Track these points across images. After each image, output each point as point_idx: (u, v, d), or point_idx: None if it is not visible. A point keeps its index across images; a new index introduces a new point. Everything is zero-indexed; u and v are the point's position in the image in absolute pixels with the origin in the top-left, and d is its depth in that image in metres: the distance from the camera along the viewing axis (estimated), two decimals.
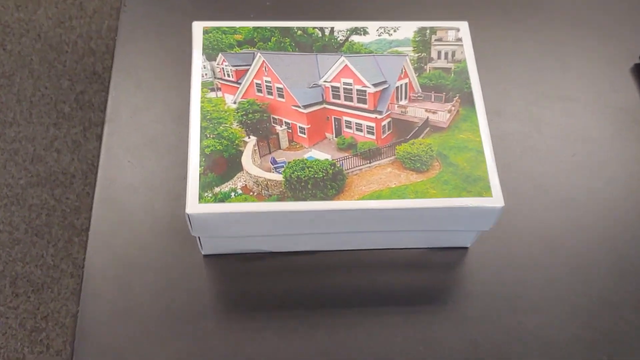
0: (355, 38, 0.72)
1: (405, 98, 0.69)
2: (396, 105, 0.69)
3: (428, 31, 0.73)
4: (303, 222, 0.65)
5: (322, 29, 0.72)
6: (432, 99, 0.69)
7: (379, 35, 0.72)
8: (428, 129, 0.68)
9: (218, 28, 0.71)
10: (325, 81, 0.69)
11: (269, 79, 0.69)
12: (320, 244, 0.72)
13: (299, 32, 0.72)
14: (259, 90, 0.68)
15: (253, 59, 0.70)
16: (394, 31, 0.73)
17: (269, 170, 0.64)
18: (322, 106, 0.68)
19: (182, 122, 0.78)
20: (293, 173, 0.63)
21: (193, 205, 0.61)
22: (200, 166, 0.63)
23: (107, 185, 0.74)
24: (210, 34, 0.71)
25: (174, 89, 0.80)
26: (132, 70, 0.82)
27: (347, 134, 0.67)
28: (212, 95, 0.67)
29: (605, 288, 0.72)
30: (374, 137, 0.67)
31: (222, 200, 0.62)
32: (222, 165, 0.64)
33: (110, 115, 0.78)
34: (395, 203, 0.63)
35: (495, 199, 0.64)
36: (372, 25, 0.73)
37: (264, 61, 0.69)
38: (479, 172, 0.65)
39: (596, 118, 0.84)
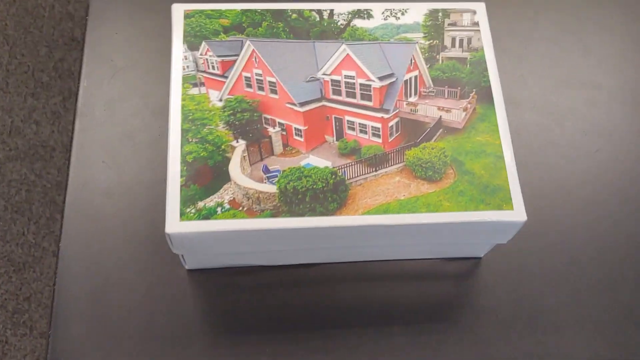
0: (358, 22, 0.63)
1: (415, 94, 0.61)
2: (405, 103, 0.60)
3: (440, 14, 0.64)
4: (300, 239, 0.57)
5: (320, 12, 0.63)
6: (446, 95, 0.61)
7: (385, 19, 0.63)
8: (441, 130, 0.59)
9: (201, 11, 0.62)
10: (324, 74, 0.60)
11: (259, 71, 0.60)
12: (318, 257, 0.64)
13: (294, 15, 0.63)
14: (249, 85, 0.59)
15: (241, 47, 0.61)
16: (402, 14, 0.64)
17: (261, 181, 0.56)
18: (320, 104, 0.60)
19: (162, 115, 0.69)
20: (288, 184, 0.55)
21: (173, 224, 0.53)
22: (182, 177, 0.55)
23: (80, 189, 0.66)
24: (192, 19, 0.61)
25: (153, 77, 0.71)
26: (105, 56, 0.72)
27: (350, 136, 0.59)
28: (194, 91, 0.58)
29: (633, 304, 0.65)
30: (380, 140, 0.58)
31: (206, 217, 0.54)
32: (207, 176, 0.55)
33: (82, 109, 0.69)
34: (405, 218, 0.55)
35: (517, 213, 0.57)
36: (377, 7, 0.64)
37: (253, 50, 0.60)
38: (499, 181, 0.57)
39: (622, 108, 0.75)
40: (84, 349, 0.60)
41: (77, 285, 0.62)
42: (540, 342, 0.63)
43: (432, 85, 0.61)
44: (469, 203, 0.56)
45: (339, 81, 0.60)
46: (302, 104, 0.59)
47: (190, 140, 0.56)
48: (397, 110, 0.60)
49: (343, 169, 0.57)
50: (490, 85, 0.61)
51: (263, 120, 0.58)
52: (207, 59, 0.60)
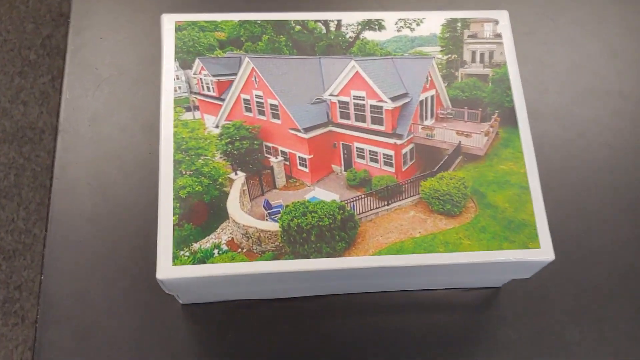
0: (369, 35, 0.57)
1: (432, 116, 0.55)
2: (420, 127, 0.55)
3: (459, 24, 0.58)
4: (305, 281, 0.52)
5: (326, 23, 0.57)
6: (466, 118, 0.55)
7: (398, 31, 0.57)
8: (460, 157, 0.54)
9: (194, 23, 0.56)
10: (331, 94, 0.55)
11: (260, 92, 0.54)
12: (323, 289, 0.59)
13: (297, 27, 0.56)
14: (248, 109, 0.54)
15: (239, 65, 0.55)
16: (417, 24, 0.58)
17: (262, 218, 0.50)
18: (327, 129, 0.54)
19: (153, 130, 0.64)
20: (292, 220, 0.50)
21: (165, 269, 0.48)
22: (174, 215, 0.49)
23: (63, 213, 0.60)
24: (184, 32, 0.55)
25: (142, 88, 0.65)
26: (89, 65, 0.66)
27: (359, 165, 0.53)
28: (188, 116, 0.53)
29: None
30: (392, 169, 0.53)
31: (202, 261, 0.49)
32: (203, 213, 0.50)
33: (64, 124, 0.63)
34: (420, 259, 0.50)
35: (544, 251, 0.52)
36: (390, 17, 0.58)
37: (253, 68, 0.55)
38: (524, 216, 0.52)
39: None
40: None
41: (62, 324, 0.57)
42: None
43: (450, 107, 0.56)
44: (492, 241, 0.51)
45: (347, 103, 0.55)
46: (307, 130, 0.54)
47: (184, 172, 0.51)
48: (412, 136, 0.54)
49: (352, 203, 0.52)
50: (514, 106, 0.56)
51: (264, 149, 0.53)
52: (201, 79, 0.54)
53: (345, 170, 0.53)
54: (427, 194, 0.53)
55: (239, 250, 0.50)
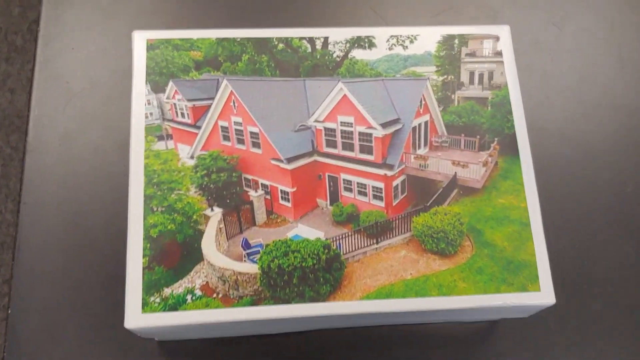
0: (358, 53, 0.53)
1: (425, 145, 0.51)
2: (413, 156, 0.51)
3: (457, 41, 0.54)
4: (286, 325, 0.48)
5: (312, 40, 0.53)
6: (462, 146, 0.51)
7: (390, 49, 0.53)
8: (456, 190, 0.50)
9: (168, 41, 0.51)
10: (316, 120, 0.51)
11: (239, 119, 0.50)
12: (308, 326, 0.56)
13: (281, 45, 0.52)
14: (226, 138, 0.50)
15: (217, 88, 0.51)
16: (411, 42, 0.53)
17: (240, 259, 0.47)
18: (312, 159, 0.50)
19: (127, 151, 0.59)
20: (272, 261, 0.46)
21: (134, 317, 0.45)
22: (144, 257, 0.46)
23: (31, 242, 0.56)
24: (157, 51, 0.51)
25: (115, 104, 0.61)
26: (59, 78, 0.62)
27: (347, 199, 0.49)
28: (160, 146, 0.49)
29: None
30: (382, 203, 0.49)
31: (174, 308, 0.45)
32: (175, 255, 0.46)
33: (33, 144, 0.59)
34: (412, 304, 0.47)
35: (544, 294, 0.48)
36: (381, 34, 0.53)
37: (232, 92, 0.50)
38: (524, 255, 0.48)
39: None
40: None
41: None
42: None
43: (445, 134, 0.52)
44: (489, 283, 0.48)
45: (334, 130, 0.51)
46: (289, 160, 0.50)
47: (155, 209, 0.47)
48: (403, 166, 0.50)
49: (338, 242, 0.48)
50: (515, 132, 0.51)
51: (243, 182, 0.49)
52: (175, 104, 0.50)
53: (331, 205, 0.49)
54: (420, 231, 0.49)
55: (214, 295, 0.46)
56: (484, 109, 0.52)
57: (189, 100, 0.50)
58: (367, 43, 0.53)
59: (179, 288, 0.46)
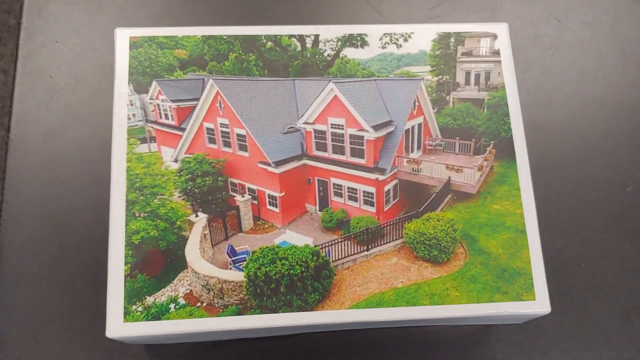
0: (350, 52, 0.51)
1: (419, 148, 0.50)
2: (405, 160, 0.49)
3: (452, 40, 0.52)
4: (273, 332, 0.48)
5: (302, 38, 0.51)
6: (457, 149, 0.50)
7: (383, 48, 0.51)
8: (450, 196, 0.49)
9: (152, 39, 0.50)
10: (306, 122, 0.49)
11: (225, 120, 0.49)
12: (301, 329, 0.55)
13: (269, 43, 0.51)
14: (212, 140, 0.48)
15: (202, 89, 0.49)
16: (405, 40, 0.52)
17: (225, 266, 0.46)
18: (301, 162, 0.49)
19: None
20: (259, 269, 0.45)
21: (115, 326, 0.44)
22: (126, 264, 0.45)
23: (14, 243, 0.55)
24: (140, 49, 0.50)
25: (100, 99, 0.60)
26: (43, 72, 0.60)
27: (336, 204, 0.48)
28: (143, 148, 0.48)
29: None
30: (373, 209, 0.48)
31: (157, 317, 0.44)
32: (158, 262, 0.45)
33: (15, 141, 0.58)
34: (402, 313, 0.46)
35: (539, 303, 0.47)
36: (374, 32, 0.52)
37: (218, 92, 0.49)
38: (519, 263, 0.47)
39: None
40: None
41: None
42: None
43: (439, 136, 0.50)
44: (482, 292, 0.47)
45: (324, 132, 0.49)
46: (278, 164, 0.48)
47: (137, 215, 0.46)
48: (396, 170, 0.49)
49: (327, 248, 0.47)
50: (512, 136, 0.50)
51: (229, 186, 0.48)
52: (158, 105, 0.49)
53: (320, 210, 0.48)
54: (412, 237, 0.48)
55: (199, 304, 0.45)
56: (480, 111, 0.51)
57: (173, 101, 0.49)
58: (359, 41, 0.52)
59: (162, 297, 0.45)
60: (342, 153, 0.49)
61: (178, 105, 0.49)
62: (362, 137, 0.49)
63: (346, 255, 0.47)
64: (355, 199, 0.48)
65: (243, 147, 0.48)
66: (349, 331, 0.56)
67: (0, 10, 1.78)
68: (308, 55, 0.51)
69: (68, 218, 0.56)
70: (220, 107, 0.48)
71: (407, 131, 0.50)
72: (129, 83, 0.49)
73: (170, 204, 0.47)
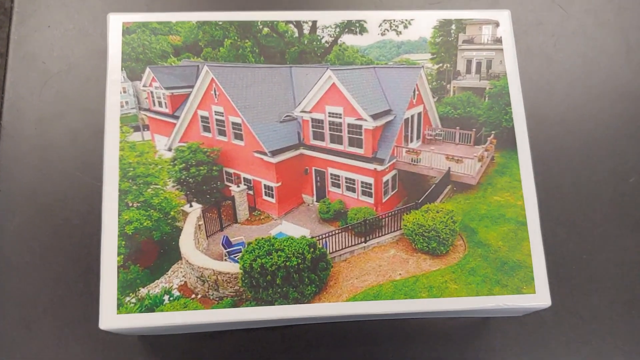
0: (348, 39, 0.50)
1: (418, 138, 0.49)
2: (404, 150, 0.49)
3: (454, 27, 0.51)
4: (270, 323, 0.47)
5: (299, 25, 0.50)
6: (457, 139, 0.49)
7: (383, 34, 0.51)
8: (449, 187, 0.48)
9: (145, 24, 0.49)
10: (303, 111, 0.48)
11: (220, 108, 0.48)
12: (297, 320, 0.54)
13: (265, 29, 0.50)
14: (206, 128, 0.48)
15: (197, 76, 0.48)
16: (405, 27, 0.51)
17: (220, 258, 0.45)
18: (298, 152, 0.48)
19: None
20: (254, 261, 0.45)
21: (109, 318, 0.43)
22: (119, 255, 0.44)
23: (6, 231, 0.55)
24: (133, 35, 0.49)
25: (94, 86, 0.59)
26: (35, 58, 0.60)
27: (334, 195, 0.48)
28: (136, 137, 0.47)
29: None
30: (371, 200, 0.48)
31: (150, 309, 0.44)
32: (151, 253, 0.45)
33: (7, 128, 0.57)
34: (400, 305, 0.45)
35: (540, 297, 0.47)
36: (373, 18, 0.51)
37: (213, 79, 0.48)
38: (519, 256, 0.47)
39: None
40: None
41: (6, 354, 0.52)
42: None
43: (439, 126, 0.50)
44: (481, 285, 0.46)
45: (321, 121, 0.48)
46: (274, 153, 0.48)
47: (131, 205, 0.45)
48: (395, 160, 0.48)
49: (324, 240, 0.46)
50: (513, 126, 0.49)
51: (224, 176, 0.47)
52: (152, 92, 0.48)
53: (317, 201, 0.48)
54: (410, 229, 0.47)
55: (193, 296, 0.44)
56: (481, 100, 0.50)
57: (167, 88, 0.48)
58: (358, 28, 0.51)
59: (155, 288, 0.44)
60: (340, 142, 0.48)
61: (172, 93, 0.48)
62: (360, 127, 0.48)
63: (343, 247, 0.47)
64: (353, 190, 0.48)
65: (238, 136, 0.47)
66: (345, 323, 0.56)
67: None
68: (305, 42, 0.50)
69: (60, 206, 0.56)
70: (215, 94, 0.48)
71: (406, 120, 0.49)
72: (122, 70, 0.48)
73: (164, 194, 0.46)
